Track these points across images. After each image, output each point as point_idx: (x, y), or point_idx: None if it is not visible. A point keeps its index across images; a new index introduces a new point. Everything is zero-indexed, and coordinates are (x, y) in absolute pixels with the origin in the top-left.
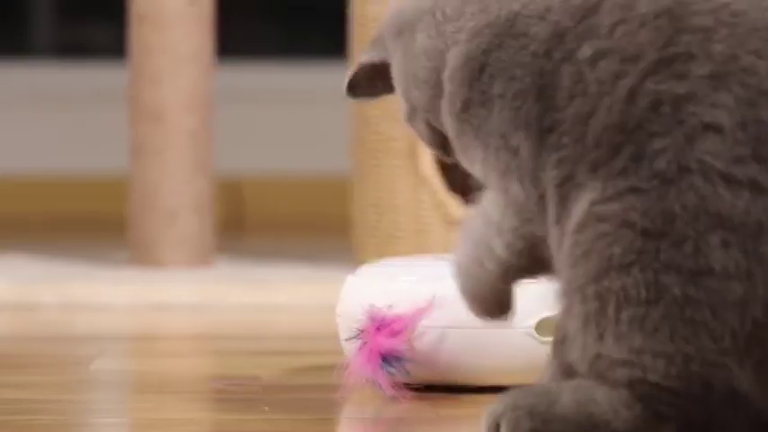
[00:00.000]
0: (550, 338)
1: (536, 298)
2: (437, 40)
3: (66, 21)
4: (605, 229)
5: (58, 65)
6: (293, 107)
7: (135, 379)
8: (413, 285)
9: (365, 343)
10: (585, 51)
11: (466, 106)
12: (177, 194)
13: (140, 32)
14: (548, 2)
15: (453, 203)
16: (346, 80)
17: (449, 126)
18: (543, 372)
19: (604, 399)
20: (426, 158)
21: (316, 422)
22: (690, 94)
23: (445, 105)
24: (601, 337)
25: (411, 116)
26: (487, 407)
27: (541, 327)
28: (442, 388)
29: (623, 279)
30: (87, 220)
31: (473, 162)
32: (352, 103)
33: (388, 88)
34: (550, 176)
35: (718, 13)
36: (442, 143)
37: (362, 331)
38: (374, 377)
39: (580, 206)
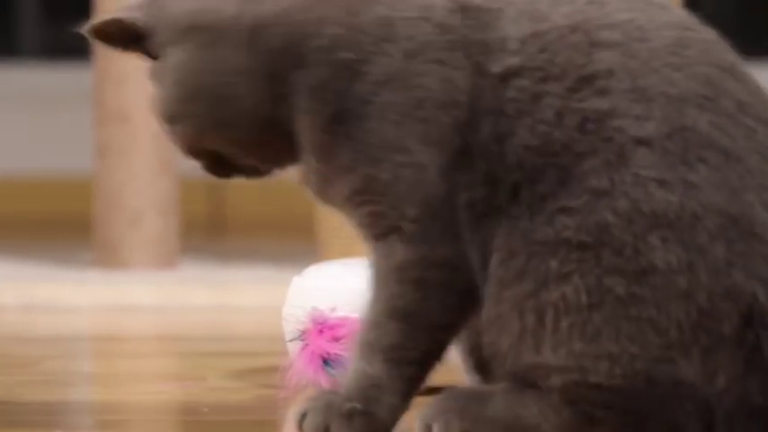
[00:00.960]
0: None
1: None
2: (264, 62)
3: (54, 22)
4: (538, 250)
5: (45, 66)
6: None
7: (92, 380)
8: (357, 286)
9: (307, 345)
10: (495, 67)
11: (338, 119)
12: (142, 195)
13: None
14: (423, 1)
15: None
16: (93, 23)
17: (306, 140)
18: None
19: (534, 402)
20: None
21: (255, 423)
22: (612, 109)
23: (303, 121)
24: (537, 348)
25: (176, 119)
26: (421, 409)
27: None
28: None
29: (563, 288)
30: (52, 221)
31: (341, 177)
32: None
33: (133, 50)
34: (461, 198)
35: (625, 28)
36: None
37: (304, 333)
38: (316, 378)
39: (504, 231)
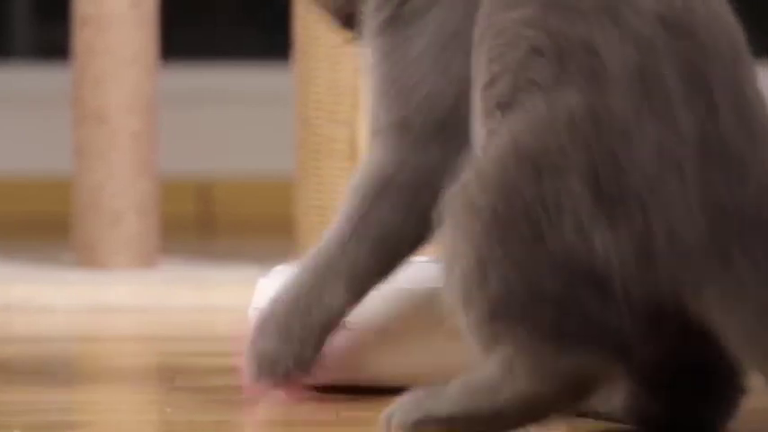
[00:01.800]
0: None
1: None
2: None
3: (45, 23)
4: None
5: (37, 67)
6: (236, 108)
7: (71, 380)
8: None
9: None
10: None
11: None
12: (121, 196)
13: (83, 34)
14: None
15: None
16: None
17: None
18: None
19: (487, 375)
20: None
21: (214, 424)
22: (527, 18)
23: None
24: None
25: None
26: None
27: None
28: (344, 389)
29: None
30: (32, 221)
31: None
32: (294, 104)
33: None
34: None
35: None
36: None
37: None
38: None
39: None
